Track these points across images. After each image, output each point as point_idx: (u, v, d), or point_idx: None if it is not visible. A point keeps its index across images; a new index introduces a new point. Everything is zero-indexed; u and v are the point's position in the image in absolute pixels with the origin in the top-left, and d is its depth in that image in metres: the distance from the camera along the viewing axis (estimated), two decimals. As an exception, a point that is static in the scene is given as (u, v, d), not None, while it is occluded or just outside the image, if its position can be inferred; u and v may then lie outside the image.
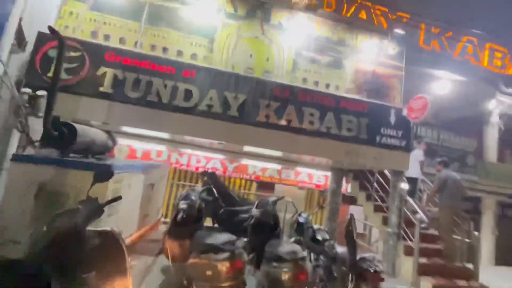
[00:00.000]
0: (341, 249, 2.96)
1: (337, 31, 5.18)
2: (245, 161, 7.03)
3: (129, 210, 3.55)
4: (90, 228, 1.77)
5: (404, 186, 5.01)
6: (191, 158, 6.89)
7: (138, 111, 3.90)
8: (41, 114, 2.64)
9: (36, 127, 3.48)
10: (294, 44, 4.96)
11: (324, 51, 5.09)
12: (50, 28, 2.63)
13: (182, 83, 4.04)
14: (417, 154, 5.55)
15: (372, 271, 2.25)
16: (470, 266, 4.57)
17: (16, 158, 2.57)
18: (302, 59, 4.96)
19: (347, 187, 7.54)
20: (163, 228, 5.23)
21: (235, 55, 4.68)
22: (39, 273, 1.58)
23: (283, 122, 4.31)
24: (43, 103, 3.22)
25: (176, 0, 4.57)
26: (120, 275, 1.70)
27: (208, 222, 3.90)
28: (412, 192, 5.35)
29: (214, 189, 3.96)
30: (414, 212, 5.00)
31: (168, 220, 5.53)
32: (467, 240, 4.64)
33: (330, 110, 4.47)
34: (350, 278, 2.19)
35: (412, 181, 5.42)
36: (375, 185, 5.85)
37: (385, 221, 5.20)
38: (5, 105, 3.39)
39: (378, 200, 5.69)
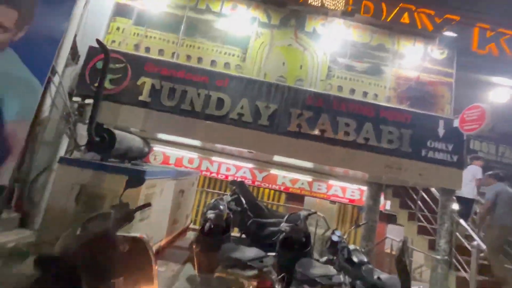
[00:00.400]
0: (383, 276, 2.63)
1: (376, 36, 4.87)
2: (274, 171, 6.86)
3: (159, 216, 3.61)
4: (120, 233, 1.78)
5: (455, 207, 4.40)
6: (221, 166, 6.94)
7: (173, 119, 4.03)
8: (87, 121, 2.83)
9: (83, 133, 3.78)
10: (329, 50, 4.77)
11: (361, 57, 4.80)
12: (97, 41, 2.85)
13: (214, 92, 4.10)
14: (472, 171, 4.88)
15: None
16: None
17: (62, 160, 2.77)
18: (337, 66, 4.73)
19: (385, 204, 6.92)
20: (190, 235, 5.27)
21: (268, 64, 4.64)
22: (74, 273, 1.60)
23: (316, 132, 4.11)
24: (90, 111, 3.49)
25: (211, 12, 4.73)
26: (147, 282, 1.68)
27: (235, 232, 3.81)
28: (466, 215, 4.68)
29: (242, 199, 3.88)
30: (468, 238, 4.35)
31: (196, 226, 5.57)
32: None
33: (368, 120, 4.15)
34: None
35: (466, 202, 4.75)
36: (419, 203, 5.26)
37: (432, 245, 4.60)
38: (58, 113, 3.74)
39: (423, 220, 5.09)
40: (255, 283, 1.98)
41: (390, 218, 6.97)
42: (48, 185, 3.61)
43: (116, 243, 1.68)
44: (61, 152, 3.76)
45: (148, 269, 1.73)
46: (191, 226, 5.66)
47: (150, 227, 2.78)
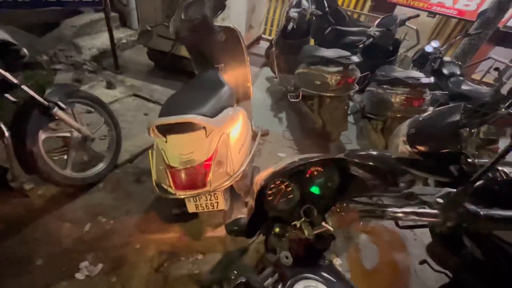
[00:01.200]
0: (468, 87, 2.49)
1: None
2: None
3: (237, 18, 3.57)
4: (216, 24, 1.87)
5: None
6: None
7: None
8: None
9: None
10: None
11: None
12: None
13: None
14: None
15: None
16: None
17: None
18: None
19: (508, 19, 5.21)
20: (264, 44, 5.37)
21: None
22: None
23: None
24: None
25: None
26: (242, 67, 1.95)
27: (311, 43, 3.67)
28: None
29: (324, 1, 3.34)
30: None
31: (268, 37, 5.52)
32: None
33: None
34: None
35: None
36: None
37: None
38: None
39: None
40: (338, 77, 2.12)
41: (505, 39, 5.50)
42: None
43: (214, 29, 1.81)
44: None
45: (241, 56, 1.93)
46: (264, 36, 5.63)
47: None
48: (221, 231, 1.65)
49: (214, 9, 1.86)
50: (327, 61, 2.21)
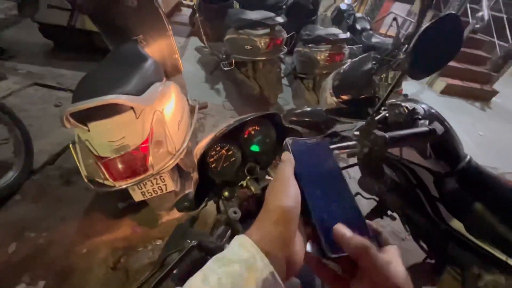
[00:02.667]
0: (377, 39, 2.83)
1: None
2: None
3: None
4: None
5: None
6: None
7: None
8: None
9: None
10: None
11: None
12: None
13: None
14: None
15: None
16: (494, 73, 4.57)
17: None
18: None
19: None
20: (185, 11, 4.92)
21: None
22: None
23: None
24: None
25: None
26: (164, 38, 1.77)
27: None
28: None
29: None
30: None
31: (189, 2, 5.05)
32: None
33: None
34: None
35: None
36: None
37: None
38: None
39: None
40: (267, 39, 2.13)
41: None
42: None
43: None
44: None
45: (161, 25, 1.74)
46: (184, 1, 5.13)
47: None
48: (178, 212, 1.62)
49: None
50: (254, 24, 2.18)
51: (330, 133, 0.62)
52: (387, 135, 0.58)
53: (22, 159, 1.55)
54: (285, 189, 0.27)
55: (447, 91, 4.34)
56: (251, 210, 0.65)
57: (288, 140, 0.34)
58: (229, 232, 0.49)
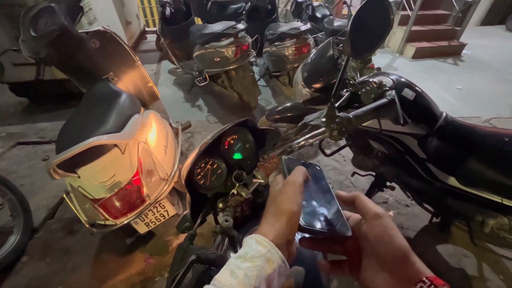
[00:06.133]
0: (339, 22, 2.91)
1: None
2: None
3: (107, 17, 3.15)
4: (81, 30, 1.62)
5: None
6: None
7: None
8: None
9: None
10: None
11: None
12: None
13: None
14: None
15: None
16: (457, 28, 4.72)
17: None
18: None
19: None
20: (150, 37, 4.96)
21: None
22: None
23: None
24: None
25: None
26: (135, 69, 1.79)
27: (198, 22, 3.57)
28: None
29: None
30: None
31: (152, 28, 5.10)
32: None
33: None
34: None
35: None
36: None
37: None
38: None
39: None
40: (233, 48, 2.18)
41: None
42: None
43: (81, 37, 1.57)
44: None
45: (128, 58, 1.76)
46: (148, 29, 5.18)
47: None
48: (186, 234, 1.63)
49: (71, 15, 1.61)
50: (217, 36, 2.22)
51: (300, 126, 0.65)
52: (350, 114, 0.61)
53: (21, 220, 1.54)
54: (296, 195, 0.32)
55: (418, 55, 4.46)
56: (246, 213, 0.68)
57: (284, 157, 0.40)
58: (226, 240, 0.51)
